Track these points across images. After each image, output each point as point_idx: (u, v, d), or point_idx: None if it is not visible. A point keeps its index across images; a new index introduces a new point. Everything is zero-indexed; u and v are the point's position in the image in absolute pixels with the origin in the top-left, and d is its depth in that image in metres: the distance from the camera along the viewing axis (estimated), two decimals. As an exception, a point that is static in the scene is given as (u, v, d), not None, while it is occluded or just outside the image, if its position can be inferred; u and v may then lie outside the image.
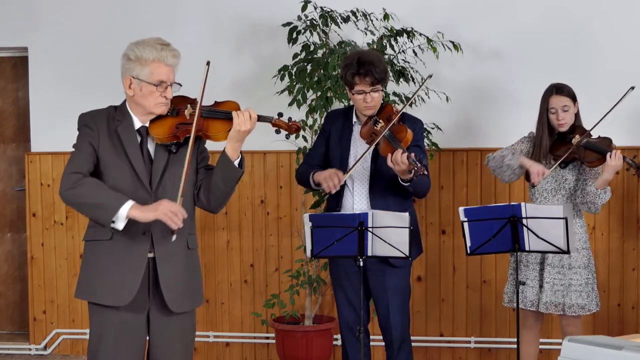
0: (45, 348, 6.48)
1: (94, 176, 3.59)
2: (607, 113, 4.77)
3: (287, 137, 3.76)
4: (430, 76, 4.59)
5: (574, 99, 4.84)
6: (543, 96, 4.88)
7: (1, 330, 6.82)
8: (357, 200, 4.54)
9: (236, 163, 3.63)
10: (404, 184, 4.34)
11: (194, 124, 3.58)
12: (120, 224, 3.49)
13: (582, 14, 5.83)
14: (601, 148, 4.75)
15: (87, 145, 3.58)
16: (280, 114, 3.73)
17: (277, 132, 3.74)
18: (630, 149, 5.72)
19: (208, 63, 3.62)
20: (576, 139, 4.77)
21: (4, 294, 6.80)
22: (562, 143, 4.82)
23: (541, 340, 5.11)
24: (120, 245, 3.56)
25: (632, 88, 4.81)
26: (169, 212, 3.48)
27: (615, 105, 4.78)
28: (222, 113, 3.63)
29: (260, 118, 3.65)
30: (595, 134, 4.83)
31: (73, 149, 3.63)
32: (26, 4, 6.39)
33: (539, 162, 4.81)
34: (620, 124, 5.67)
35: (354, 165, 4.44)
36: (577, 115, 4.87)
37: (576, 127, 4.85)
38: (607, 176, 4.72)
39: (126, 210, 3.47)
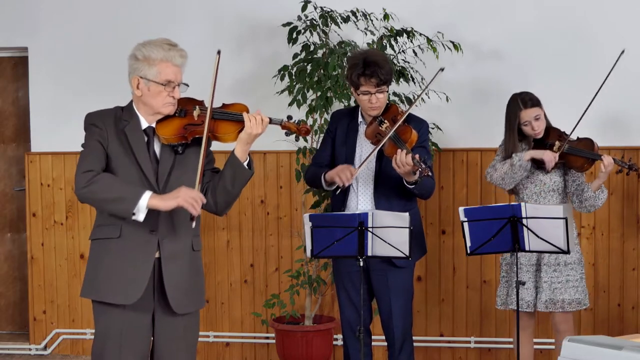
0: (45, 348, 6.48)
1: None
2: (596, 94, 4.75)
3: (297, 139, 3.78)
4: (442, 69, 4.55)
5: (540, 104, 4.84)
6: (511, 111, 4.85)
7: (1, 330, 6.82)
8: (361, 201, 4.54)
9: (245, 164, 3.65)
10: (409, 186, 4.33)
11: (207, 122, 3.58)
12: (141, 215, 3.49)
13: (582, 14, 5.83)
14: (587, 153, 4.74)
15: (96, 144, 3.59)
16: (289, 117, 3.75)
17: (287, 134, 3.75)
18: (625, 149, 5.72)
19: (219, 52, 3.63)
20: (557, 145, 4.76)
21: (4, 294, 6.80)
22: (543, 149, 4.81)
23: (541, 340, 5.12)
24: (129, 244, 3.57)
25: (623, 52, 4.78)
26: (189, 198, 3.49)
27: (605, 79, 4.75)
28: (231, 115, 3.64)
29: (270, 121, 3.67)
30: (575, 135, 4.82)
31: (82, 149, 3.63)
32: (26, 4, 6.38)
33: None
34: (614, 125, 5.69)
35: (365, 160, 4.43)
36: (545, 116, 4.87)
37: (550, 130, 4.85)
38: (602, 180, 4.76)
39: (146, 201, 3.47)
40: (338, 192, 4.48)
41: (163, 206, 3.50)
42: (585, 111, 4.76)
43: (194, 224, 3.58)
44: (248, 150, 3.65)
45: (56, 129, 6.29)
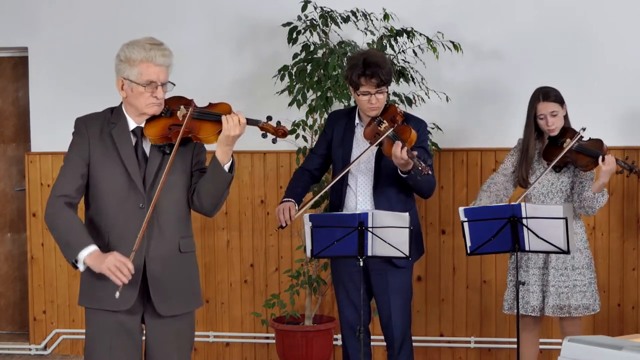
0: (45, 348, 6.48)
1: (87, 183, 3.61)
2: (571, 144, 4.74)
3: (274, 141, 3.69)
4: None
5: (561, 102, 4.79)
6: (530, 102, 4.82)
7: (1, 330, 6.82)
8: (360, 200, 4.54)
9: (227, 167, 3.59)
10: (402, 175, 4.33)
11: (182, 128, 3.55)
12: (81, 266, 3.53)
13: (582, 14, 5.83)
14: (593, 151, 4.71)
15: (76, 158, 3.59)
16: (269, 118, 3.67)
17: (264, 136, 3.66)
18: (625, 149, 5.72)
19: (193, 105, 3.61)
20: (567, 142, 4.74)
21: (4, 294, 6.80)
22: (555, 147, 4.80)
23: (541, 340, 5.10)
24: (118, 250, 3.54)
25: (584, 129, 4.74)
26: (113, 266, 3.45)
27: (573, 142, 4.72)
28: (212, 115, 3.59)
29: (248, 121, 3.59)
30: (586, 135, 4.80)
31: (63, 162, 3.64)
32: (26, 4, 6.38)
33: (527, 168, 4.80)
34: (614, 124, 5.68)
35: (357, 158, 4.43)
36: (566, 117, 4.84)
37: (567, 130, 4.82)
38: (602, 180, 4.67)
39: (84, 256, 3.50)
40: (277, 229, 4.58)
41: (93, 268, 3.50)
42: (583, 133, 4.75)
43: (117, 294, 3.48)
44: (230, 152, 3.58)
45: (56, 129, 6.28)
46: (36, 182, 6.43)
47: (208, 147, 3.76)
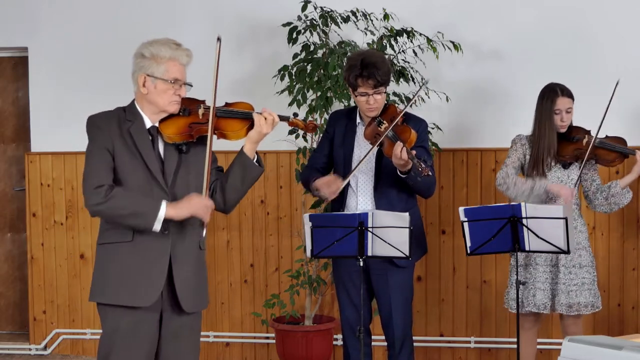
0: (45, 348, 6.48)
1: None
2: (606, 111, 4.74)
3: (304, 136, 3.85)
4: (426, 82, 4.59)
5: (573, 99, 4.84)
6: (546, 96, 4.81)
7: (1, 330, 6.82)
8: (361, 201, 4.54)
9: (254, 162, 3.71)
10: (402, 176, 4.34)
11: (211, 121, 3.60)
12: (158, 226, 3.54)
13: (581, 14, 5.83)
14: (621, 148, 4.74)
15: (103, 151, 3.57)
16: (295, 114, 3.82)
17: (294, 131, 3.82)
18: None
19: (219, 39, 3.64)
20: (586, 139, 4.75)
21: (4, 294, 6.80)
22: (567, 143, 4.79)
23: (541, 340, 5.11)
24: (142, 246, 3.58)
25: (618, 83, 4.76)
26: (202, 206, 3.57)
27: (610, 102, 4.73)
28: (238, 113, 3.68)
29: (280, 118, 3.73)
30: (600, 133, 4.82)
31: (87, 156, 3.60)
32: (26, 4, 6.39)
33: (543, 163, 4.78)
34: (615, 124, 5.68)
35: (352, 171, 4.44)
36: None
37: (573, 127, 4.84)
38: (634, 177, 4.75)
39: (163, 213, 3.53)
40: (322, 204, 4.49)
41: (177, 216, 3.55)
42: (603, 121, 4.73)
43: (204, 232, 3.63)
44: (256, 148, 3.71)
45: (56, 129, 6.29)
46: (36, 182, 6.43)
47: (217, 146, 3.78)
